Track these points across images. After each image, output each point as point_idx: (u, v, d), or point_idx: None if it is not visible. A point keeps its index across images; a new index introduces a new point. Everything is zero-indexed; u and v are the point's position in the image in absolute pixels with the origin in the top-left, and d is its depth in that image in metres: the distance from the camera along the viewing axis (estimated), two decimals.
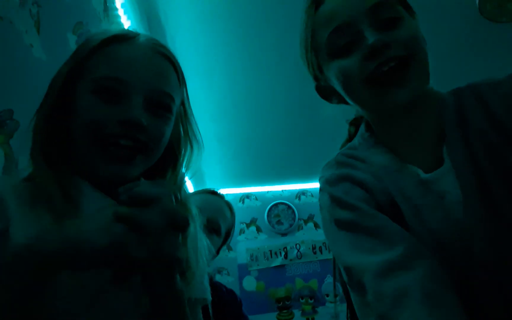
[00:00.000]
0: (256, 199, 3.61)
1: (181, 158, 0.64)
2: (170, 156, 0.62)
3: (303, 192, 3.79)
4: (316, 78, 0.63)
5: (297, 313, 3.27)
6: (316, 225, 3.48)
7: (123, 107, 0.52)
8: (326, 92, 0.63)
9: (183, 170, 0.64)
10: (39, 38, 0.94)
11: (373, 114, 0.59)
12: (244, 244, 3.39)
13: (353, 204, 0.53)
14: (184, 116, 0.64)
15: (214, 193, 1.33)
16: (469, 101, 0.53)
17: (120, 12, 1.48)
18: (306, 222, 3.56)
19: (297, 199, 3.70)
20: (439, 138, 0.53)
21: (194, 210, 0.63)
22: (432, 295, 0.42)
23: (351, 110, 0.68)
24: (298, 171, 3.54)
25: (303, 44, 0.61)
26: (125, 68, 0.53)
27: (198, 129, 0.65)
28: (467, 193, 0.48)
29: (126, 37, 0.56)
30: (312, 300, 3.32)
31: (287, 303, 3.31)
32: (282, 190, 3.77)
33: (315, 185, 3.87)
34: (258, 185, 3.61)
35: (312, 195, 3.78)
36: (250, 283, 3.26)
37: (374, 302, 0.46)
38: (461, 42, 2.00)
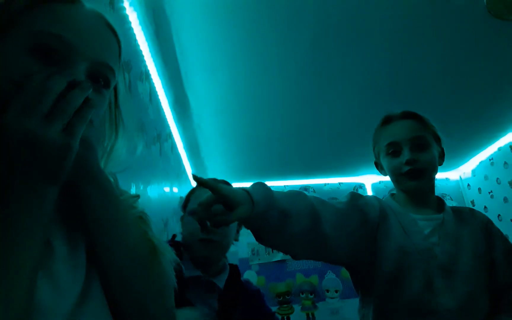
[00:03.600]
0: None
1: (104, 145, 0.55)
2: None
3: (305, 188, 3.80)
4: (376, 157, 1.07)
5: (297, 308, 3.29)
6: None
7: (65, 70, 0.43)
8: (378, 167, 1.08)
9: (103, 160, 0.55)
10: None
11: (399, 190, 1.04)
12: (245, 238, 3.35)
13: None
14: (115, 100, 0.57)
15: (227, 184, 1.36)
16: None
17: (126, 4, 1.48)
18: None
19: None
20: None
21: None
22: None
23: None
24: (300, 167, 3.54)
25: (373, 141, 1.07)
26: (71, 29, 0.45)
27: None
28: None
29: None
30: (312, 295, 3.34)
31: (287, 297, 3.33)
32: (285, 186, 3.78)
33: (317, 181, 3.88)
34: (261, 180, 3.62)
35: (314, 191, 3.78)
36: (250, 278, 3.28)
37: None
38: (468, 40, 1.98)
